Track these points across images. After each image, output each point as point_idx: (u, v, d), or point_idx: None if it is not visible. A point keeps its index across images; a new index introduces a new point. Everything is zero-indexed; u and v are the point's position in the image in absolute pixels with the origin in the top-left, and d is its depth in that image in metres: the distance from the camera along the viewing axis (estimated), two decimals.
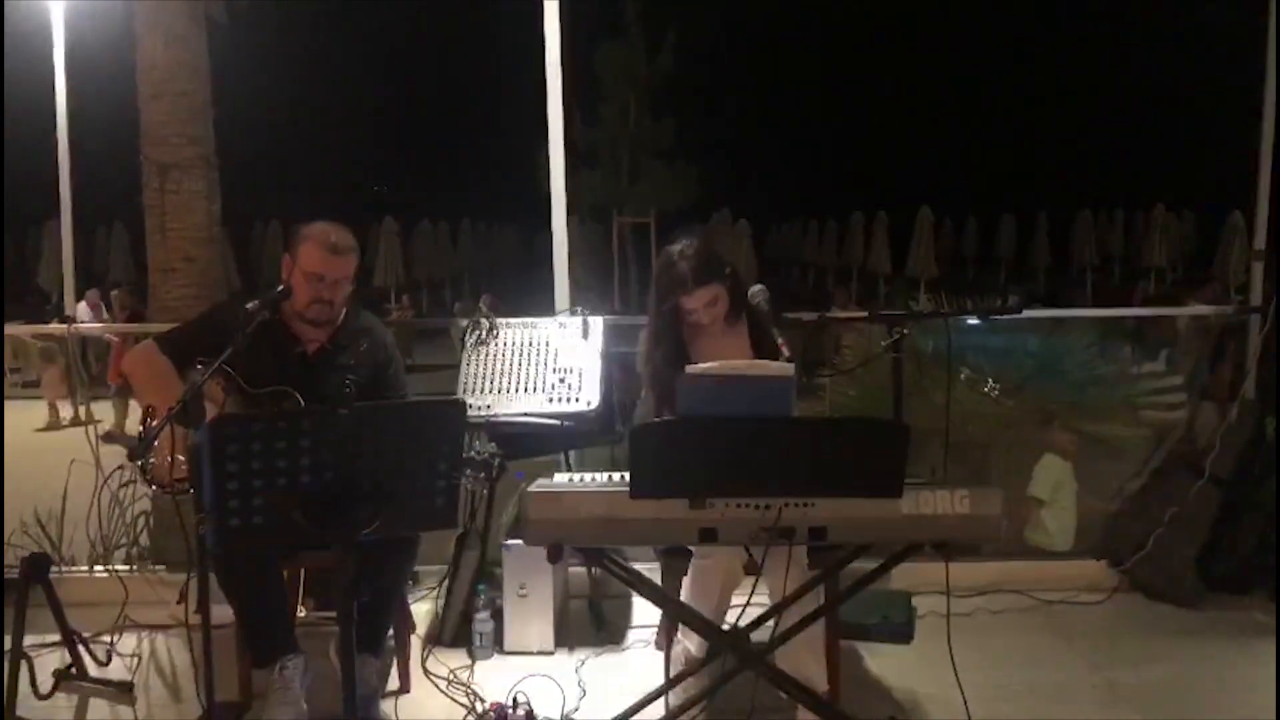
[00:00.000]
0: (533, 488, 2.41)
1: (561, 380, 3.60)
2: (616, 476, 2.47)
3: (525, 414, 3.53)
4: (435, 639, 3.58)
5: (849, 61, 34.15)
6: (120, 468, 3.73)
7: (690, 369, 2.56)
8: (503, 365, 3.66)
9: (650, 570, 3.09)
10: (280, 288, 3.05)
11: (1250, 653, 3.47)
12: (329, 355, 3.17)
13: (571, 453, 3.73)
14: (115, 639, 3.56)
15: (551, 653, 3.54)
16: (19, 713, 3.02)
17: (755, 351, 3.11)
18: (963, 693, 2.67)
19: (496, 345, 3.73)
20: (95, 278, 16.68)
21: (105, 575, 4.11)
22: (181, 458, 2.79)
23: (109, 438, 4.49)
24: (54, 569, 3.35)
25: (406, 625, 3.30)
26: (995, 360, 4.73)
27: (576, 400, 3.55)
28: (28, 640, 3.01)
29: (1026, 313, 4.34)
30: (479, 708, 3.11)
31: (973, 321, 4.27)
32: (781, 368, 2.59)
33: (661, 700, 2.77)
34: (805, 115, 34.00)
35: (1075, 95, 31.82)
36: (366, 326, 3.27)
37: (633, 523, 2.36)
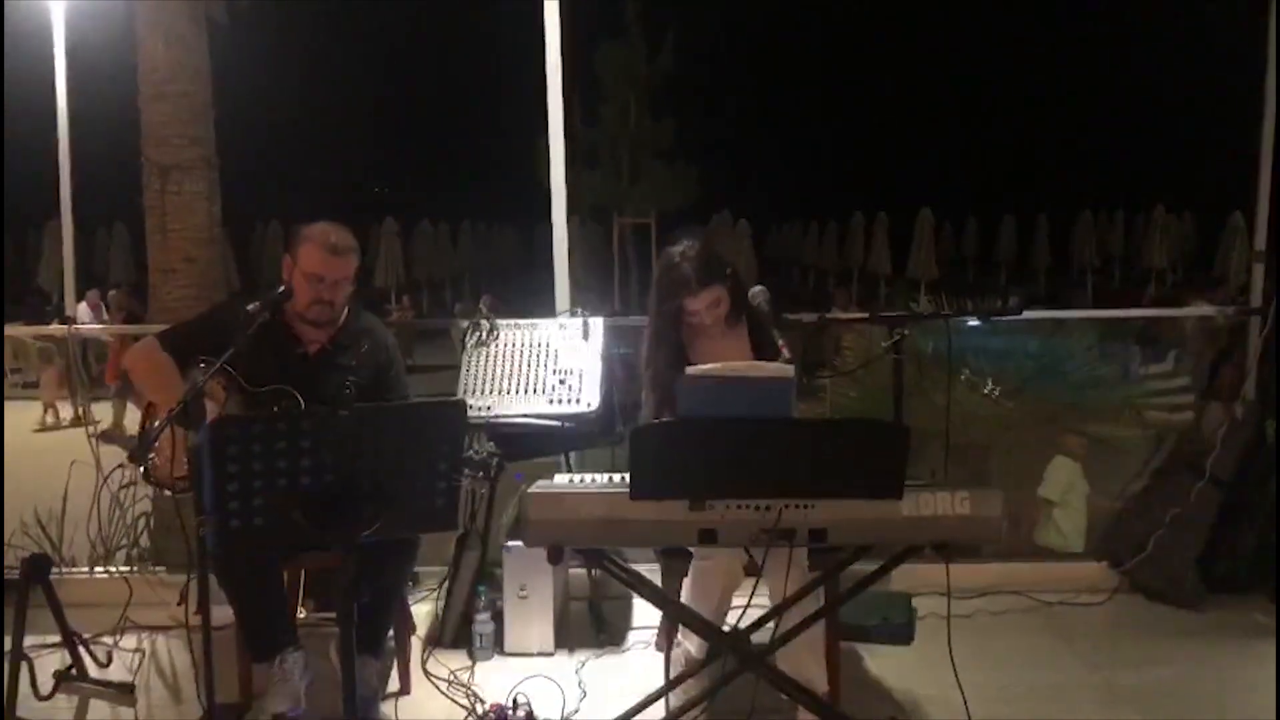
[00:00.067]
0: (533, 489, 2.41)
1: (562, 381, 3.60)
2: (617, 478, 2.47)
3: (525, 415, 3.53)
4: (435, 640, 3.58)
5: (849, 61, 34.17)
6: (120, 466, 3.72)
7: (690, 370, 2.56)
8: (503, 366, 3.67)
9: (650, 572, 3.09)
10: (281, 289, 3.05)
11: (1250, 654, 3.47)
12: (330, 356, 3.17)
13: (572, 454, 3.72)
14: (116, 640, 3.56)
15: (552, 654, 3.54)
16: (19, 714, 3.02)
17: (755, 353, 3.11)
18: (963, 694, 2.67)
19: (497, 346, 3.73)
20: (96, 278, 16.69)
21: (106, 576, 4.12)
22: (184, 458, 2.79)
23: (106, 438, 4.48)
24: (54, 570, 3.35)
25: (407, 626, 3.30)
26: (996, 362, 4.72)
27: (577, 401, 3.55)
28: (28, 641, 3.01)
29: (1027, 314, 4.33)
30: (479, 709, 3.11)
31: (973, 323, 4.26)
32: (782, 369, 2.59)
33: (662, 702, 2.77)
34: (805, 115, 34.05)
35: (1075, 96, 31.84)
36: (368, 327, 3.27)
37: (633, 524, 2.36)
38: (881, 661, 3.45)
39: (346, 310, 3.20)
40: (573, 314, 3.88)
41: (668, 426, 2.50)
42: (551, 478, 2.57)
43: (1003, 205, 24.48)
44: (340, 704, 2.30)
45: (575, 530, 2.38)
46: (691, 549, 2.88)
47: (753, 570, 2.74)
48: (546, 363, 3.66)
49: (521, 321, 3.82)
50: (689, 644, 3.03)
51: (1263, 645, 3.45)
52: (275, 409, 2.96)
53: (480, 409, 3.54)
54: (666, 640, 3.21)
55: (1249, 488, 3.96)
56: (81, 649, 3.23)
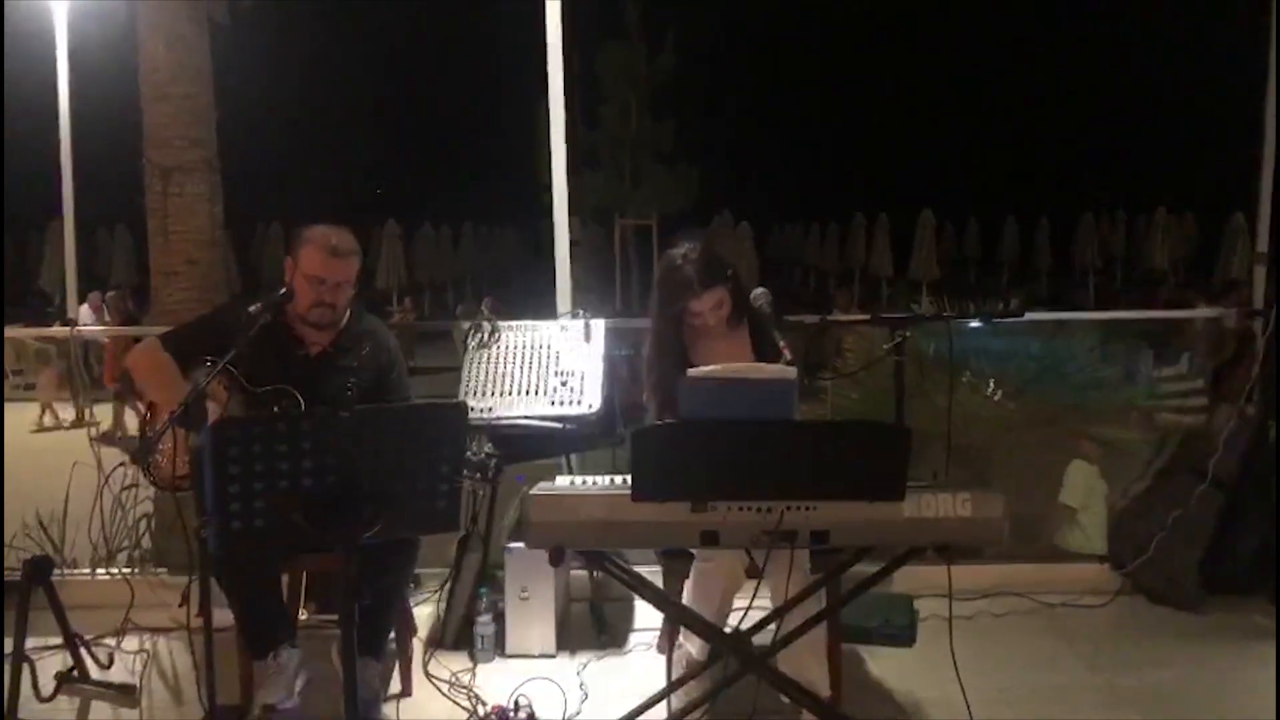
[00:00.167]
0: (534, 491, 2.41)
1: (563, 383, 3.60)
2: (618, 479, 2.47)
3: (527, 417, 3.53)
4: (437, 642, 3.58)
5: (849, 62, 34.19)
6: (121, 464, 3.73)
7: (692, 371, 2.56)
8: (504, 368, 3.66)
9: (652, 573, 3.09)
10: (282, 290, 3.06)
11: (1251, 656, 3.46)
12: (332, 358, 3.17)
13: (573, 455, 3.72)
14: (118, 642, 3.56)
15: (553, 656, 3.54)
16: (20, 715, 3.02)
17: (757, 354, 3.10)
18: (965, 695, 2.67)
19: (498, 348, 3.73)
20: (97, 280, 16.69)
21: (107, 578, 4.12)
22: (185, 458, 2.80)
23: (106, 439, 4.49)
24: (56, 572, 3.35)
25: (408, 628, 3.30)
26: (997, 363, 4.73)
27: (578, 403, 3.55)
28: (30, 643, 3.01)
29: (1028, 315, 4.33)
30: (480, 711, 3.11)
31: (975, 324, 4.25)
32: (783, 371, 2.59)
33: (663, 703, 2.76)
34: (806, 116, 34.08)
35: (1077, 97, 31.85)
36: (370, 329, 3.27)
37: (634, 525, 2.36)
38: (883, 663, 3.44)
39: (349, 312, 3.20)
40: (574, 316, 3.88)
41: (669, 428, 2.49)
42: (553, 479, 2.57)
43: (1004, 206, 24.52)
44: (341, 705, 2.29)
45: (577, 532, 2.38)
46: (693, 551, 2.89)
47: (754, 572, 2.73)
48: (548, 364, 3.65)
49: (523, 323, 3.81)
50: (690, 646, 3.03)
51: (1263, 647, 3.45)
52: (276, 410, 2.96)
53: (482, 410, 3.54)
54: (668, 642, 3.21)
55: (1250, 490, 3.95)
56: (83, 650, 3.23)
